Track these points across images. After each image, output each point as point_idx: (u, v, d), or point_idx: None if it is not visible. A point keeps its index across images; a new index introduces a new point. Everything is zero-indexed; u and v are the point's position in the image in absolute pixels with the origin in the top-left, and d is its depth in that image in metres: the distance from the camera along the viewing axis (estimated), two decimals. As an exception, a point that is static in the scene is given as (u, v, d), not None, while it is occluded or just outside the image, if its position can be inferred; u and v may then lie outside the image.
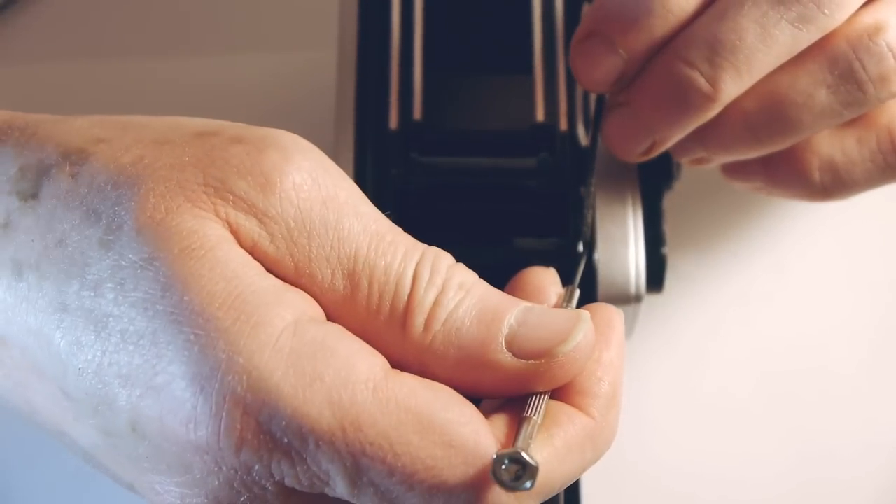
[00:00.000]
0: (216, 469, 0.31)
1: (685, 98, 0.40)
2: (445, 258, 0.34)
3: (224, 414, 0.31)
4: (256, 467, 0.31)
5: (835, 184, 0.45)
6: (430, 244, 0.34)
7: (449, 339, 0.33)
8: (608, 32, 0.41)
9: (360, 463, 0.31)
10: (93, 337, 0.32)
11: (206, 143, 0.33)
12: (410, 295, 0.33)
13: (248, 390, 0.30)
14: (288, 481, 0.31)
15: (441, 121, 0.45)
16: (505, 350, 0.33)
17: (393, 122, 0.45)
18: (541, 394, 0.33)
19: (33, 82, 0.59)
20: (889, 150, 0.44)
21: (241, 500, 0.32)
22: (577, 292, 0.37)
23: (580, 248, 0.43)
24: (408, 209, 0.44)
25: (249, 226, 0.32)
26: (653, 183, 0.46)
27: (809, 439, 0.52)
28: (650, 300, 0.46)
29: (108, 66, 0.59)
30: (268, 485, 0.31)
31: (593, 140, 0.44)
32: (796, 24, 0.39)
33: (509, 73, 0.46)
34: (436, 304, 0.33)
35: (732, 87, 0.40)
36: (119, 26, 0.60)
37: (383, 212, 0.34)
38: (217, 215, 0.32)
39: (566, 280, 0.39)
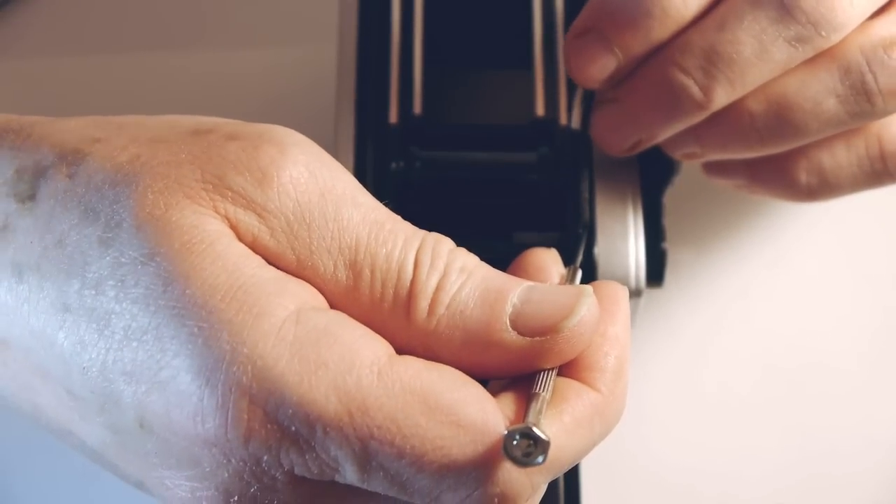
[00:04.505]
0: (225, 461, 0.31)
1: (676, 103, 0.41)
2: (446, 243, 0.34)
3: (230, 405, 0.31)
4: (265, 457, 0.31)
5: (820, 187, 0.45)
6: None
7: (454, 321, 0.33)
8: (605, 31, 0.41)
9: (368, 447, 0.31)
10: (96, 335, 0.32)
11: (202, 141, 0.33)
12: (413, 281, 0.33)
13: (253, 380, 0.30)
14: (297, 470, 0.31)
15: (441, 115, 0.45)
16: (510, 329, 0.33)
17: (393, 116, 0.45)
18: (548, 371, 0.33)
19: (34, 78, 0.59)
20: (877, 156, 0.44)
21: (252, 490, 0.32)
22: (580, 272, 0.37)
23: (580, 229, 0.43)
24: (408, 203, 0.44)
25: (249, 221, 0.32)
26: (653, 178, 0.46)
27: (810, 434, 0.52)
28: (650, 294, 0.46)
29: (109, 61, 0.59)
30: (277, 474, 0.31)
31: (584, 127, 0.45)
32: (793, 43, 0.40)
33: (509, 68, 0.46)
34: (438, 288, 0.33)
35: (724, 96, 0.41)
36: (119, 21, 0.60)
37: (382, 202, 0.34)
38: (216, 211, 0.32)
39: (568, 263, 0.39)
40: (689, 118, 0.41)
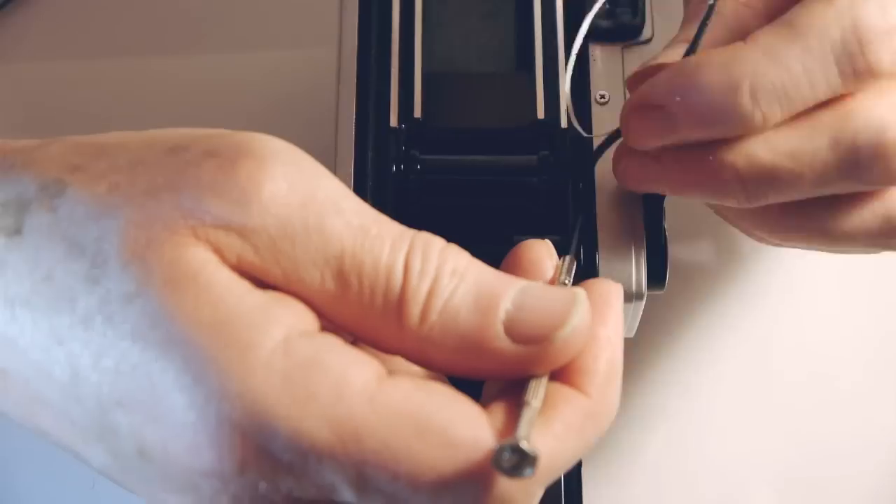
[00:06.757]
0: (223, 489, 0.31)
1: (718, 195, 0.41)
2: (435, 243, 0.33)
3: (223, 440, 0.31)
4: (262, 485, 0.31)
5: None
6: None
7: (447, 328, 0.32)
8: (678, 116, 0.40)
9: (364, 472, 0.31)
10: (90, 369, 0.32)
11: (179, 161, 0.33)
12: (403, 287, 0.32)
13: (244, 415, 0.30)
14: (295, 494, 0.31)
15: (441, 118, 0.45)
16: (503, 336, 0.32)
17: (394, 119, 0.45)
18: (539, 377, 0.33)
19: (34, 81, 0.59)
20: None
21: None
22: (575, 263, 0.37)
23: (577, 217, 0.43)
24: (408, 207, 0.44)
25: (231, 242, 0.32)
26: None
27: (810, 437, 0.52)
28: (651, 298, 0.46)
29: (110, 64, 0.59)
30: (276, 498, 0.32)
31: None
32: (844, 187, 0.41)
33: (510, 71, 0.46)
34: (430, 294, 0.32)
35: (764, 200, 0.41)
36: (120, 24, 0.60)
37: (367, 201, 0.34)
38: (197, 238, 0.32)
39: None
40: (720, 202, 0.42)
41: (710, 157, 0.40)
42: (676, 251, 0.48)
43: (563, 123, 0.45)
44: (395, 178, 0.44)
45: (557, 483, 0.44)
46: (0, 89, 0.59)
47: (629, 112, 0.41)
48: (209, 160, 0.33)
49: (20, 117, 0.58)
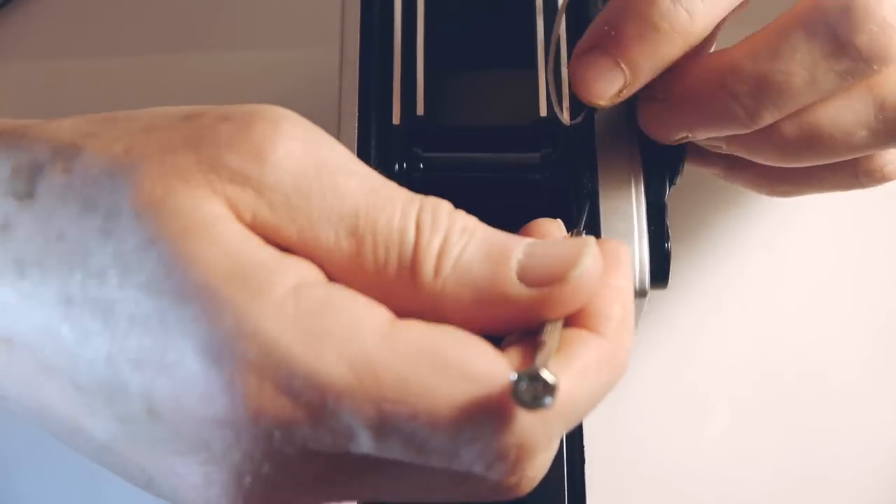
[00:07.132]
0: (236, 442, 0.31)
1: (723, 120, 0.41)
2: (444, 205, 0.34)
3: (239, 382, 0.31)
4: (276, 434, 0.31)
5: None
6: None
7: (461, 280, 0.33)
8: (610, 46, 0.41)
9: (382, 410, 0.31)
10: (100, 325, 0.32)
11: (194, 124, 0.34)
12: (416, 244, 0.33)
13: (260, 355, 0.31)
14: (311, 444, 0.32)
15: (444, 116, 0.45)
16: (517, 282, 0.33)
17: (396, 117, 0.45)
18: (554, 322, 0.33)
19: (34, 80, 0.59)
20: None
21: (264, 470, 0.32)
22: (583, 234, 0.38)
23: (584, 198, 0.43)
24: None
25: (246, 198, 0.32)
26: (656, 178, 0.46)
27: (809, 438, 0.52)
28: (654, 295, 0.46)
29: (111, 63, 0.59)
30: (289, 451, 0.32)
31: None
32: (843, 76, 0.40)
33: (512, 68, 0.46)
34: (442, 249, 0.33)
35: (769, 119, 0.41)
36: (121, 23, 0.60)
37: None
38: (214, 192, 0.32)
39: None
40: (733, 131, 0.42)
41: (704, 78, 0.41)
42: (677, 250, 0.48)
43: (543, 112, 0.45)
44: (397, 176, 0.44)
45: (560, 482, 0.44)
46: (0, 89, 0.59)
47: (572, 67, 0.42)
48: (224, 123, 0.33)
49: (20, 117, 0.58)
